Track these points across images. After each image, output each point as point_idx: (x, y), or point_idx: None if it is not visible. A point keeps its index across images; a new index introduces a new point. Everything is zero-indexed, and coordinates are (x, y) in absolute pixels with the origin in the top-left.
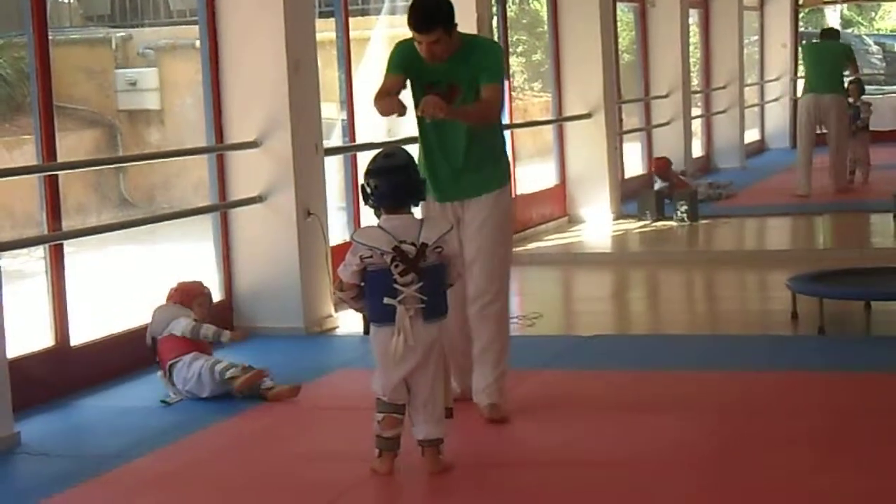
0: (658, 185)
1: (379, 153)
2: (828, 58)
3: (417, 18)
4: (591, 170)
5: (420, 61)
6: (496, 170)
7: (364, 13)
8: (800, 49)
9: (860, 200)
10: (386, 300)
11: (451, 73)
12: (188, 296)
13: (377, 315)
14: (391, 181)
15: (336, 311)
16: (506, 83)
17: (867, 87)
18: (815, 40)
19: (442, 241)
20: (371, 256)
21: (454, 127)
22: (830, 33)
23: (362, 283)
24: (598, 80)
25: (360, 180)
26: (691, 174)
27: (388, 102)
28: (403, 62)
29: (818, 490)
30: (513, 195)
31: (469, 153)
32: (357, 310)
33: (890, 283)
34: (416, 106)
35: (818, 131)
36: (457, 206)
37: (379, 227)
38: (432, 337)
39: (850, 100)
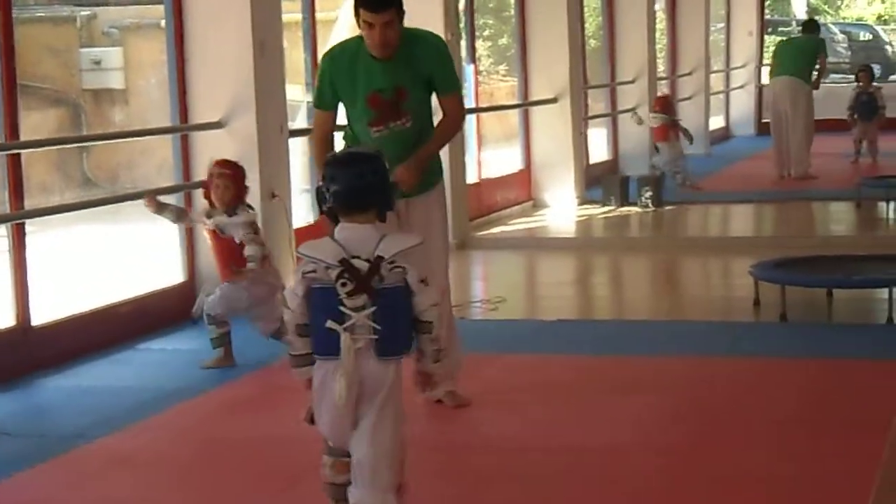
0: (656, 121)
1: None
2: (799, 50)
3: None
4: (557, 155)
5: (355, 70)
6: (436, 164)
7: None
8: (774, 47)
9: (824, 189)
10: (329, 324)
11: (396, 76)
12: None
13: (320, 344)
14: (351, 175)
15: None
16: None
17: (833, 76)
18: (792, 37)
19: (405, 258)
20: (314, 271)
21: (400, 134)
22: (810, 27)
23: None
24: (564, 65)
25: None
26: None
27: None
28: (333, 84)
29: (779, 475)
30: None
31: (412, 153)
32: (300, 372)
33: (852, 271)
34: (353, 119)
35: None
36: (399, 204)
37: (331, 237)
38: (384, 378)
39: (860, 86)
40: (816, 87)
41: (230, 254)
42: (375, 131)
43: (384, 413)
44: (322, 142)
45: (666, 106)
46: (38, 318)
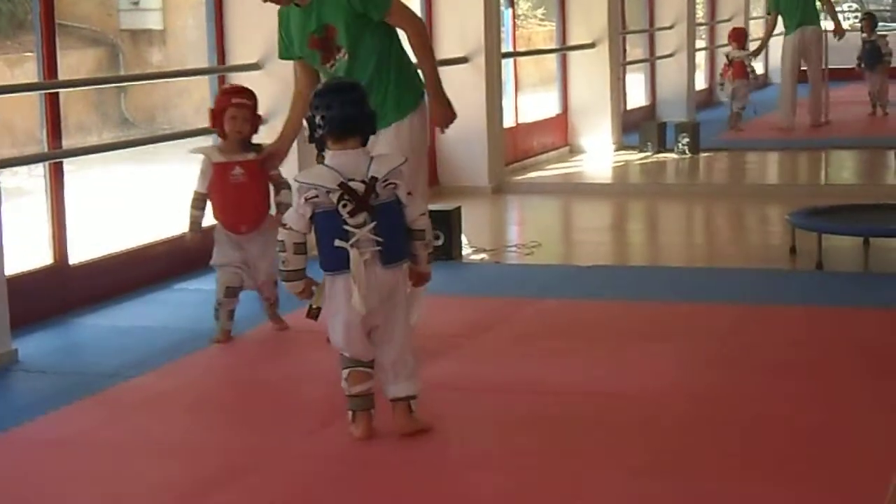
0: (734, 54)
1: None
2: None
3: None
4: (594, 100)
5: (292, 16)
6: (397, 101)
7: None
8: None
9: (862, 137)
10: (337, 242)
11: (320, 16)
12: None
13: (330, 261)
14: (344, 101)
15: None
16: None
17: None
18: None
19: (395, 175)
20: (316, 196)
21: (345, 64)
22: None
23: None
24: (602, 9)
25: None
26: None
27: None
28: (286, 33)
29: (812, 423)
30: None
31: (371, 89)
32: (295, 284)
33: (889, 220)
34: (312, 62)
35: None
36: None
37: (324, 164)
38: (393, 283)
39: (864, 35)
40: (843, 34)
41: (264, 194)
42: (329, 66)
43: (396, 314)
44: (302, 93)
45: (742, 40)
46: (76, 257)
